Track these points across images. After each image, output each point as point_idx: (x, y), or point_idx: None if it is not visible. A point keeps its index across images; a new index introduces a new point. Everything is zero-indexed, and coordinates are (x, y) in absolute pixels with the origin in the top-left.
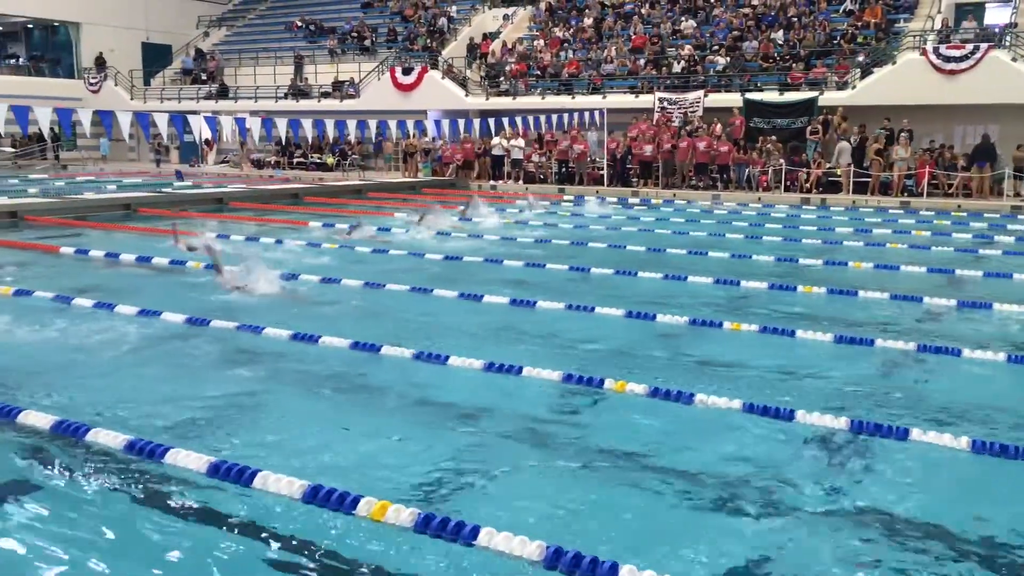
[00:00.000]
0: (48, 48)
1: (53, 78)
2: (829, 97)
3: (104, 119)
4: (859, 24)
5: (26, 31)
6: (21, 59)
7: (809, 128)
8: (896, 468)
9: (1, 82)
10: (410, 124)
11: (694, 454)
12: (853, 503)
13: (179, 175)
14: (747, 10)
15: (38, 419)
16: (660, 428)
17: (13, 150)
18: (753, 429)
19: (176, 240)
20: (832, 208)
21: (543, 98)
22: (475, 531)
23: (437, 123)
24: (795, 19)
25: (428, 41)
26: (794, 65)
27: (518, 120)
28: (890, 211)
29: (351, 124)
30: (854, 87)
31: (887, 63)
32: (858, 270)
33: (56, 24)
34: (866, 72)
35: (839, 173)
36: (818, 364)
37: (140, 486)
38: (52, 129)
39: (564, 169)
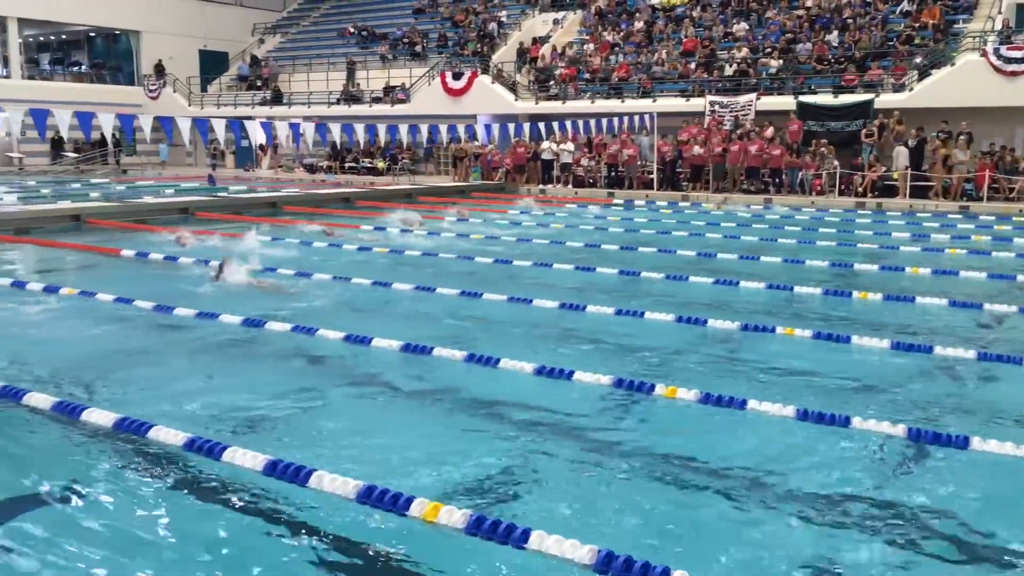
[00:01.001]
0: (110, 56)
1: (114, 85)
2: (885, 99)
3: (165, 125)
4: (916, 25)
5: (88, 39)
6: (84, 66)
7: (864, 131)
8: (955, 477)
9: (64, 89)
10: (460, 128)
11: (746, 461)
12: (909, 512)
13: (211, 179)
14: (801, 12)
15: (101, 417)
16: (711, 434)
17: (76, 155)
18: (807, 436)
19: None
20: (888, 212)
21: (592, 102)
22: (526, 534)
23: (487, 127)
24: (850, 20)
25: (478, 46)
26: (849, 67)
27: (567, 124)
28: (949, 216)
29: (403, 128)
30: (911, 89)
31: (945, 64)
32: (915, 276)
33: (117, 32)
34: (924, 74)
35: (895, 177)
36: (874, 371)
37: (197, 484)
38: (114, 135)
39: (613, 173)
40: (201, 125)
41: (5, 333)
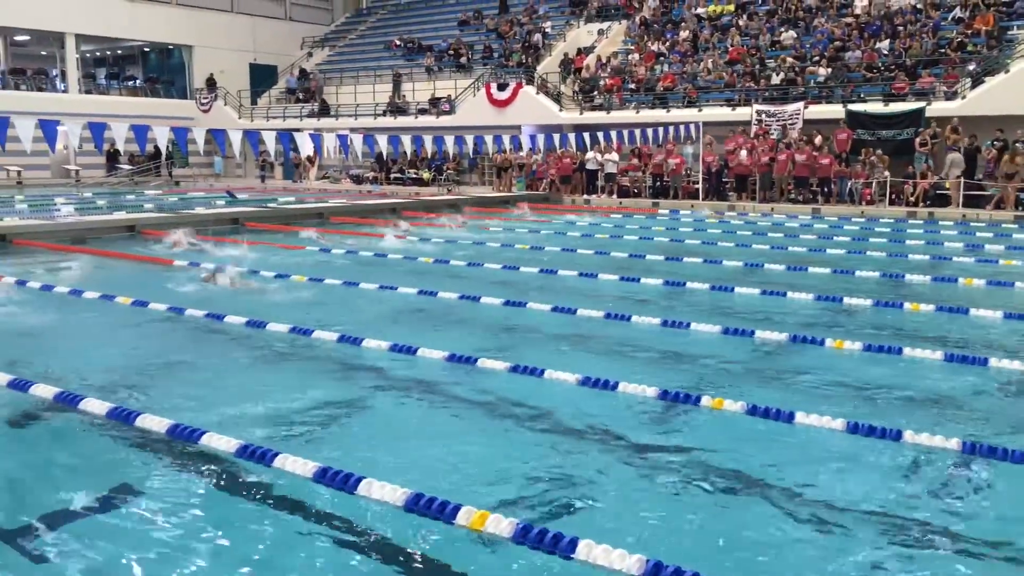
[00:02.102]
0: (163, 70)
1: (167, 99)
2: (937, 107)
3: (217, 137)
4: (969, 32)
5: (143, 54)
6: (138, 81)
7: (919, 140)
8: (1011, 493)
9: (120, 103)
10: (505, 139)
11: (794, 473)
12: (963, 528)
13: (230, 194)
14: (850, 20)
15: (154, 423)
16: (758, 447)
17: (131, 167)
18: (856, 449)
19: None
20: (940, 222)
21: (637, 112)
22: (574, 543)
23: (532, 138)
24: (901, 28)
25: (523, 57)
26: (899, 75)
27: (612, 134)
28: (1003, 225)
29: (449, 140)
30: (964, 97)
31: (1000, 72)
32: (969, 287)
33: (171, 47)
34: (977, 81)
35: (948, 186)
36: (927, 384)
37: (248, 489)
38: (167, 147)
39: (658, 183)
40: (251, 137)
41: (63, 340)
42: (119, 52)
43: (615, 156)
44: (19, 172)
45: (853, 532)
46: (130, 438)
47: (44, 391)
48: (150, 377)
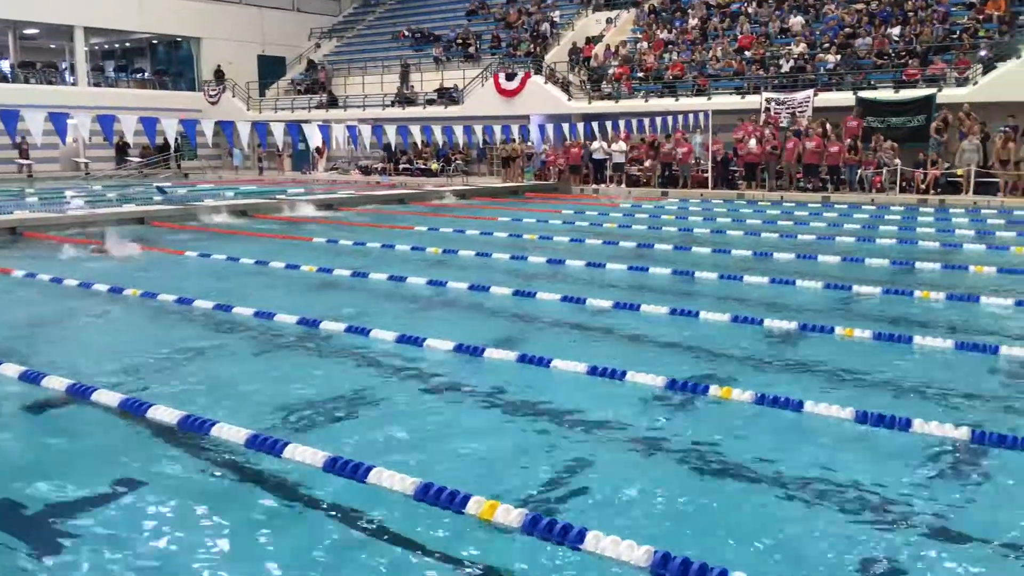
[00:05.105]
0: (171, 62)
1: (175, 91)
2: (948, 94)
3: (226, 129)
4: (981, 18)
5: (151, 47)
6: (147, 73)
7: (934, 126)
8: (1021, 481)
9: (129, 95)
10: (514, 129)
11: (803, 462)
12: (973, 517)
13: (161, 190)
14: (860, 6)
15: (165, 414)
16: (767, 436)
17: (140, 160)
18: (866, 438)
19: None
20: (952, 210)
21: (646, 100)
22: (582, 534)
23: (541, 127)
24: (912, 14)
25: (531, 46)
26: (910, 62)
27: (621, 123)
28: (1015, 212)
29: (458, 130)
30: (975, 83)
31: (1011, 57)
32: (979, 274)
33: (179, 40)
34: (988, 67)
35: (959, 173)
36: (937, 372)
37: (258, 479)
38: (176, 139)
39: (668, 172)
40: (260, 129)
41: (75, 331)
42: (127, 45)
43: (623, 146)
44: (30, 166)
45: (863, 521)
46: (141, 429)
47: None
48: (159, 370)
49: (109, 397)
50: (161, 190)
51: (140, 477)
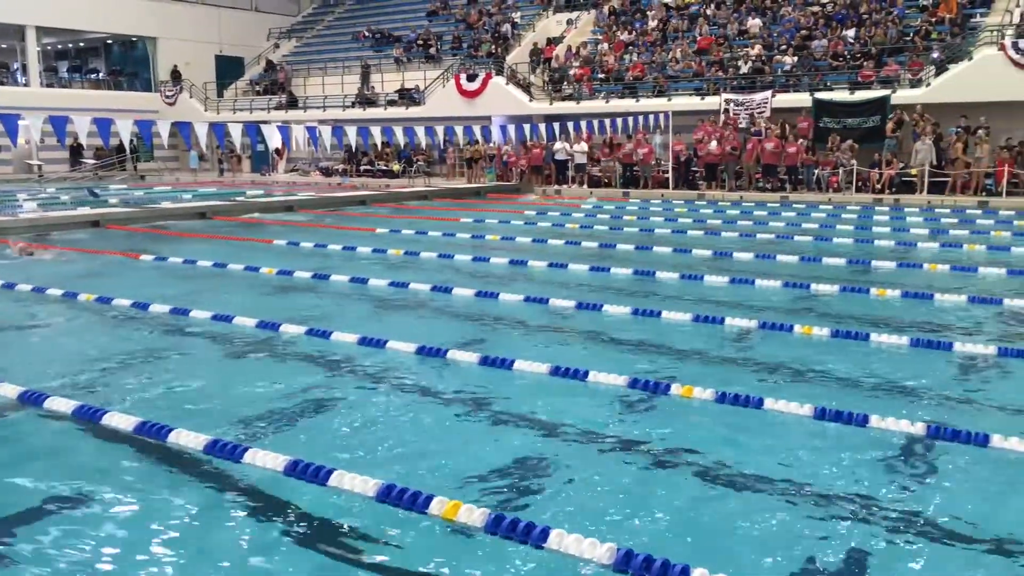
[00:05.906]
0: (127, 62)
1: (131, 91)
2: (902, 95)
3: (182, 130)
4: (933, 20)
5: (106, 47)
6: (101, 73)
7: (890, 126)
8: (974, 475)
9: (83, 96)
10: (476, 130)
11: (763, 459)
12: (929, 511)
13: (90, 191)
14: (816, 8)
15: (122, 421)
16: (728, 434)
17: (95, 162)
18: (825, 435)
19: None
20: (906, 209)
21: (607, 101)
22: (545, 532)
23: (502, 128)
24: (866, 16)
25: (492, 47)
26: (865, 63)
27: (582, 124)
28: (967, 211)
29: (419, 131)
30: (928, 84)
31: (963, 59)
32: (934, 272)
33: (134, 39)
34: (941, 69)
35: (913, 173)
36: (893, 368)
37: (218, 485)
38: (132, 141)
39: (629, 172)
40: (218, 130)
41: (25, 338)
42: (81, 44)
43: (584, 147)
44: None
45: (822, 516)
46: (97, 436)
47: None
48: (114, 374)
49: (62, 404)
50: (92, 192)
51: (93, 487)
